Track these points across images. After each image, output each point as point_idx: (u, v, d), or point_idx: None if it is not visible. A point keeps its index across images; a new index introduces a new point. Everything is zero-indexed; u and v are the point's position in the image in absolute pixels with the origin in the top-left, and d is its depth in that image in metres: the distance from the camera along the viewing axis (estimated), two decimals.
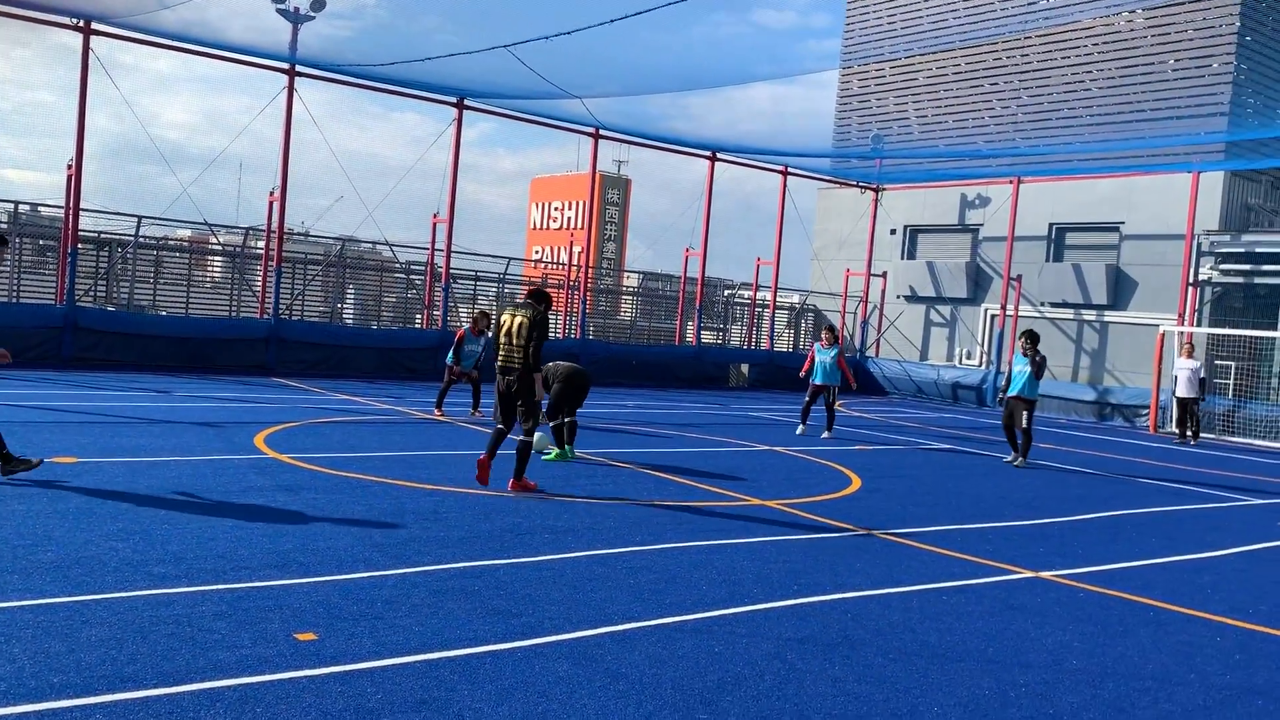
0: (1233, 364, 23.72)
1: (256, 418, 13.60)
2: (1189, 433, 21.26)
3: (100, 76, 19.21)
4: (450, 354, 15.92)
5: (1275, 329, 23.00)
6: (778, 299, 30.78)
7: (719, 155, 27.43)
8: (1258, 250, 24.08)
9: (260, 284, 22.54)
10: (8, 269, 20.89)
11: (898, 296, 31.46)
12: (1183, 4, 25.90)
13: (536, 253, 48.38)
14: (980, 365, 29.14)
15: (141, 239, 22.88)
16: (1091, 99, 27.86)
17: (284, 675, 4.62)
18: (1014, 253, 27.62)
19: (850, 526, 9.17)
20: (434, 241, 23.94)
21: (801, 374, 17.35)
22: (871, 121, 33.31)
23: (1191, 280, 24.47)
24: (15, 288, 21.24)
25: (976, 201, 29.90)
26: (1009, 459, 15.08)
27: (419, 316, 25.64)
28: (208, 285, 26.45)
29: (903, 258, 31.75)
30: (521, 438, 9.69)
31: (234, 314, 23.77)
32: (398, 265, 27.72)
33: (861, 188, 31.80)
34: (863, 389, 29.74)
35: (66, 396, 14.27)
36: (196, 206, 33.31)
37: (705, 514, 9.27)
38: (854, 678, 5.22)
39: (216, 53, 20.73)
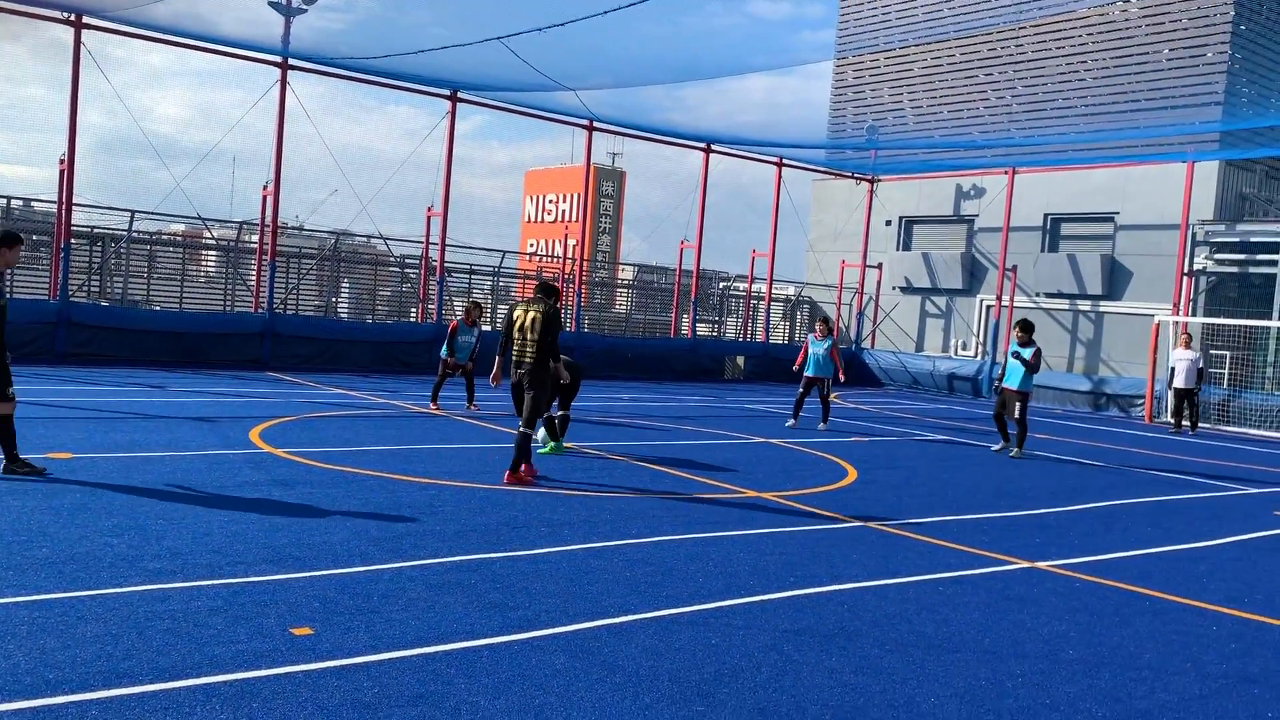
0: (1227, 353, 23.76)
1: (251, 412, 13.58)
2: (1186, 423, 21.30)
3: (92, 71, 19.17)
4: (444, 347, 15.88)
5: (1270, 318, 23.03)
6: (773, 291, 30.75)
7: (714, 147, 27.38)
8: (1252, 240, 24.11)
9: (254, 278, 22.49)
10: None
11: (893, 288, 31.46)
12: None
13: (531, 245, 48.33)
14: (976, 356, 29.18)
15: (135, 234, 22.80)
16: (1086, 89, 27.87)
17: (280, 670, 4.61)
18: (1009, 243, 27.62)
19: (846, 518, 9.18)
20: (428, 235, 23.89)
21: (795, 368, 17.29)
22: (866, 112, 33.29)
23: (1186, 270, 24.49)
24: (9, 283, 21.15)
25: (971, 192, 29.90)
26: (997, 448, 15.22)
27: (414, 310, 25.59)
28: (202, 280, 26.38)
29: (898, 249, 31.74)
30: (521, 429, 9.75)
31: (228, 308, 23.72)
32: (392, 259, 27.68)
33: (857, 179, 31.78)
34: (858, 380, 29.77)
35: (60, 392, 14.23)
36: (190, 201, 33.09)
37: (701, 506, 9.27)
38: (851, 669, 5.22)
39: (209, 46, 20.63)
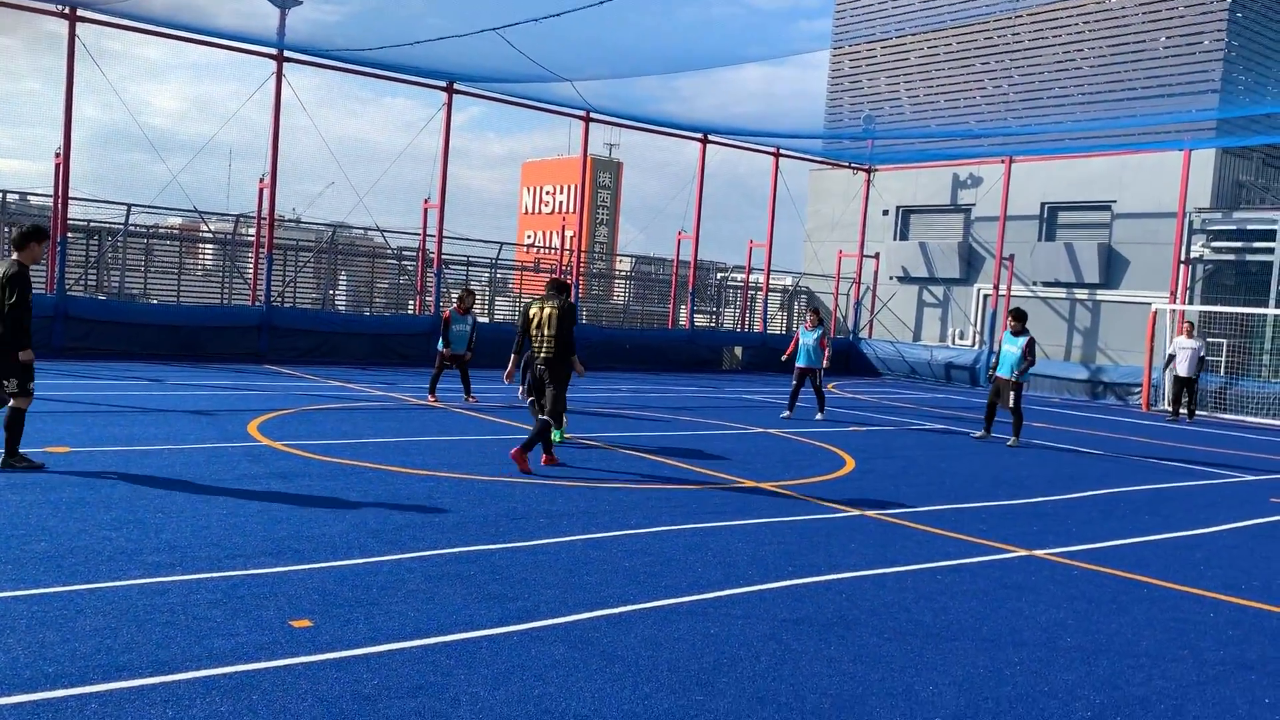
0: (1224, 341, 23.78)
1: (249, 405, 13.58)
2: (1183, 410, 21.33)
3: (87, 64, 19.08)
4: (440, 340, 15.82)
5: (1266, 306, 23.04)
6: (770, 281, 30.76)
7: (710, 137, 27.35)
8: (1249, 227, 24.12)
9: (252, 271, 22.46)
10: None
11: (890, 277, 31.46)
12: None
13: (529, 237, 48.24)
14: (973, 345, 29.19)
15: (131, 227, 22.77)
16: (1082, 77, 27.83)
17: (280, 662, 4.62)
18: (1006, 232, 27.61)
19: (844, 507, 9.19)
20: (425, 227, 23.88)
21: (784, 358, 17.27)
22: (863, 102, 33.23)
23: (1183, 258, 24.50)
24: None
25: (968, 181, 29.89)
26: (977, 435, 15.35)
27: (411, 302, 25.59)
28: (199, 273, 26.36)
29: (895, 239, 31.74)
30: (543, 417, 10.19)
31: (225, 301, 23.70)
32: (389, 251, 27.65)
33: (854, 169, 31.75)
34: (856, 370, 29.80)
35: (58, 386, 14.22)
36: (186, 194, 33.08)
37: (700, 497, 9.28)
38: (849, 658, 5.24)
39: (204, 39, 20.58)
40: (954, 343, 30.04)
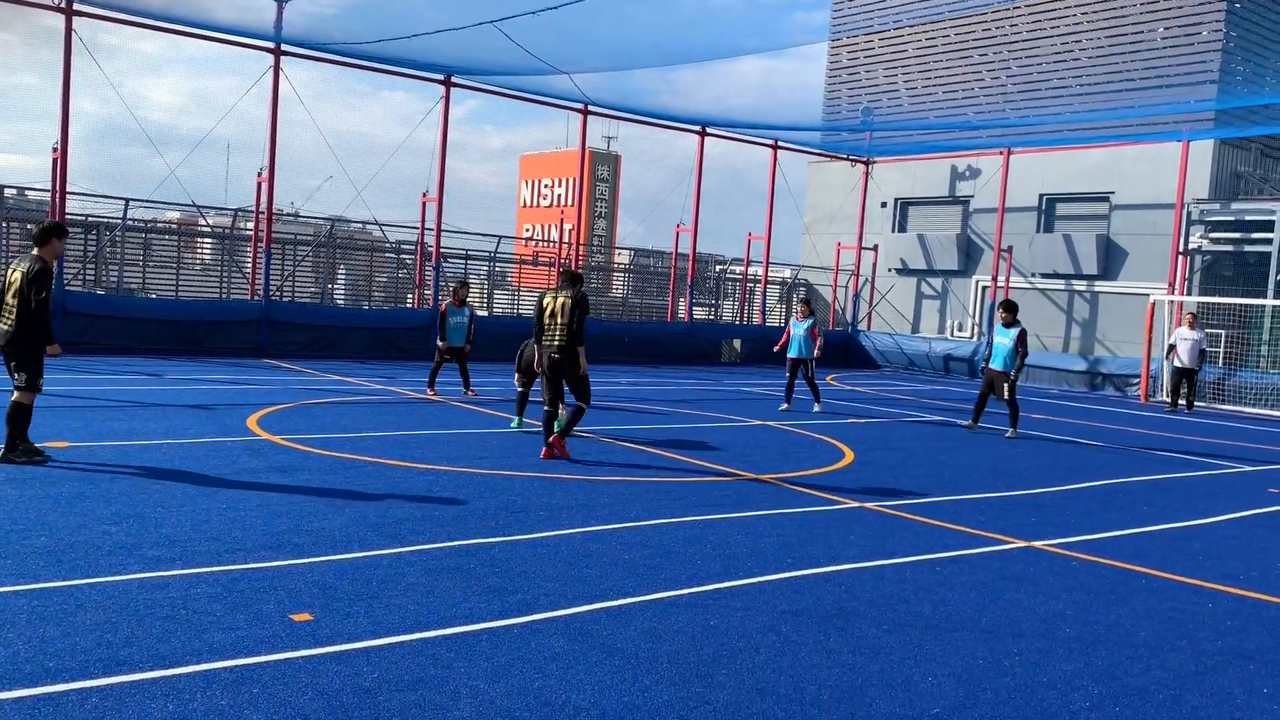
0: (1223, 332, 23.79)
1: (248, 399, 13.58)
2: (1182, 402, 21.34)
3: (84, 58, 19.04)
4: (437, 335, 15.79)
5: (1265, 297, 23.05)
6: (769, 274, 30.75)
7: (709, 130, 27.32)
8: (1247, 218, 24.10)
9: (250, 265, 22.45)
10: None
11: (889, 269, 31.45)
12: None
13: (527, 230, 48.23)
14: (971, 337, 29.20)
15: (130, 221, 22.75)
16: (1080, 68, 27.82)
17: (280, 656, 4.63)
18: (1004, 224, 27.60)
19: (843, 499, 9.20)
20: (424, 220, 23.86)
21: (776, 349, 17.21)
22: (861, 94, 33.22)
23: (1181, 249, 24.49)
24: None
25: (967, 173, 29.87)
26: (965, 423, 15.40)
27: (410, 296, 25.57)
28: (197, 267, 26.34)
29: (894, 231, 31.72)
30: (577, 403, 10.48)
31: (224, 296, 23.69)
32: (388, 245, 27.63)
33: (852, 161, 31.72)
34: (855, 362, 29.81)
35: (57, 381, 14.20)
36: (184, 188, 33.17)
37: (699, 489, 9.29)
38: (849, 649, 5.25)
39: (201, 33, 20.53)
40: (952, 334, 30.05)
